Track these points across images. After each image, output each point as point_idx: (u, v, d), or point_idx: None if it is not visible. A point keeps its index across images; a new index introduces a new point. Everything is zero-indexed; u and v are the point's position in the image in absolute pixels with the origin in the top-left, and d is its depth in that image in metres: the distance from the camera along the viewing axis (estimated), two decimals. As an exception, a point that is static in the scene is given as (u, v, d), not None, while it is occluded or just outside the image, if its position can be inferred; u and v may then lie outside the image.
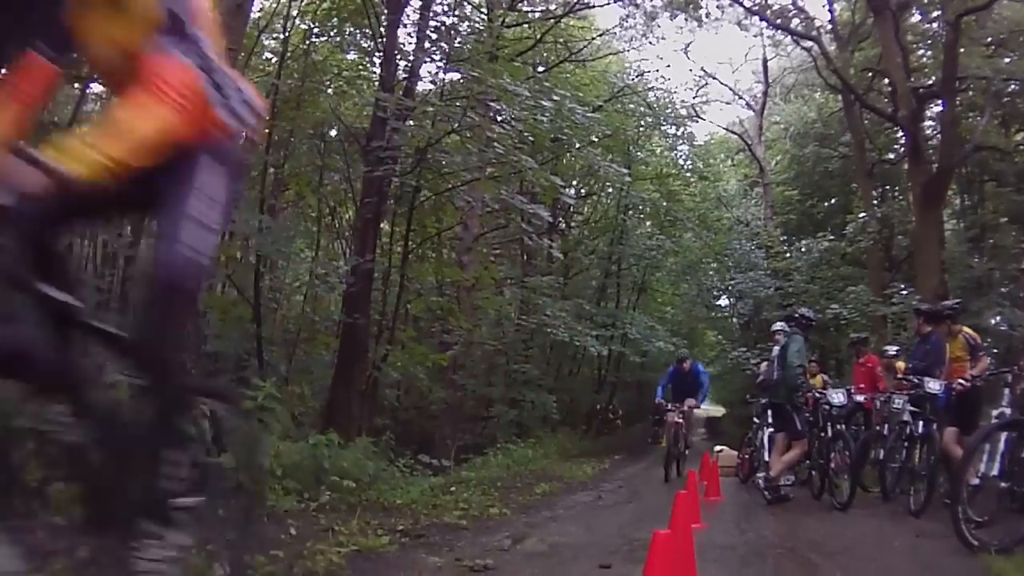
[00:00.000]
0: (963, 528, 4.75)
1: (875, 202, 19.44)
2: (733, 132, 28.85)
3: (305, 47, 13.54)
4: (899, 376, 7.97)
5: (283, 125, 12.93)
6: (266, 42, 14.07)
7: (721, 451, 12.67)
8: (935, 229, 14.13)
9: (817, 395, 8.43)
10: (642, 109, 20.57)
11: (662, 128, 22.72)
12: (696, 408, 11.93)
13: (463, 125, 11.13)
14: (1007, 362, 7.40)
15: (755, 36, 23.48)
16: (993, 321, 15.33)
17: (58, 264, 2.03)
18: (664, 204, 21.46)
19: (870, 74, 18.39)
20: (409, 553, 4.82)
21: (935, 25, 16.47)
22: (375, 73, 13.19)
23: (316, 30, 13.73)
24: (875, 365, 9.42)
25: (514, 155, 10.47)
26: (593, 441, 20.06)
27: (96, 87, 13.01)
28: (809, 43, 19.08)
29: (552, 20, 16.22)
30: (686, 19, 19.61)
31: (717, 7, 19.23)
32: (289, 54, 13.42)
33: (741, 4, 18.70)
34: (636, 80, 21.00)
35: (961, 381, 6.58)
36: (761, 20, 19.55)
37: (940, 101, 15.33)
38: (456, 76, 12.34)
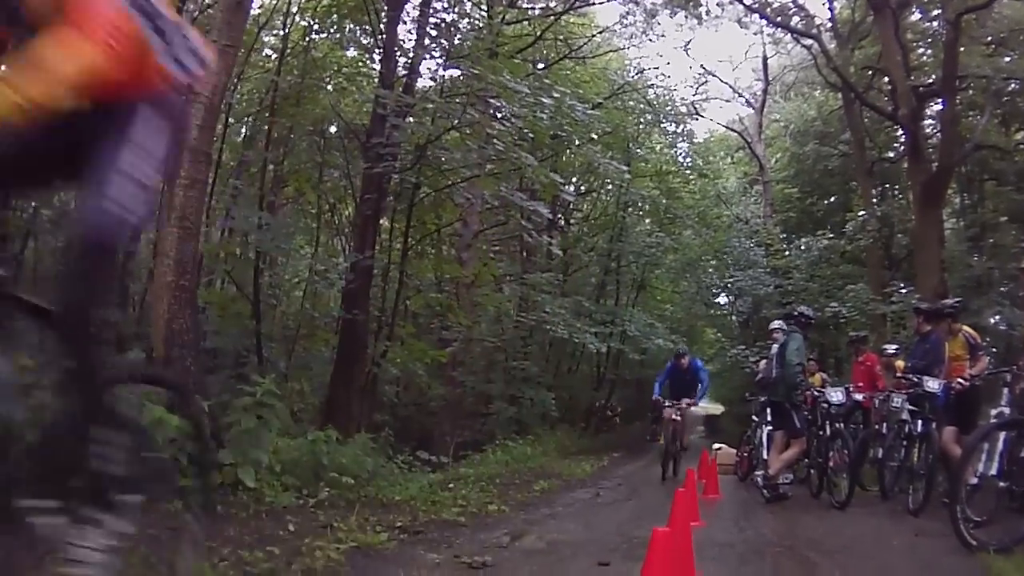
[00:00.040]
0: (962, 527, 4.75)
1: (875, 200, 19.43)
2: (733, 130, 28.84)
3: (305, 44, 13.53)
4: (898, 375, 7.97)
5: (283, 121, 12.93)
6: (266, 39, 14.07)
7: (720, 449, 12.67)
8: (935, 228, 14.13)
9: (816, 393, 8.43)
10: (642, 106, 20.57)
11: (662, 125, 22.71)
12: (694, 406, 11.50)
13: (463, 122, 11.11)
14: (1006, 361, 7.42)
15: (755, 34, 23.55)
16: (992, 320, 15.33)
17: None
18: (664, 201, 21.47)
19: (870, 72, 18.37)
20: (407, 550, 4.82)
21: (935, 23, 16.47)
22: (375, 70, 13.19)
23: (316, 27, 13.73)
24: (874, 364, 9.41)
25: (514, 152, 10.46)
26: (592, 438, 20.07)
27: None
28: (809, 41, 19.05)
29: (552, 17, 16.21)
30: (686, 16, 19.56)
31: (717, 4, 19.19)
32: (289, 51, 13.41)
33: (741, 2, 18.68)
34: (636, 77, 21.01)
35: (960, 380, 6.58)
36: (761, 18, 19.56)
37: (940, 100, 15.33)
38: (456, 73, 12.34)
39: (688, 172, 23.95)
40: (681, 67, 27.95)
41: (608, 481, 10.93)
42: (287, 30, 13.44)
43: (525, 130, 11.06)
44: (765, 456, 8.57)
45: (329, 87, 13.56)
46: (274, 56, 13.88)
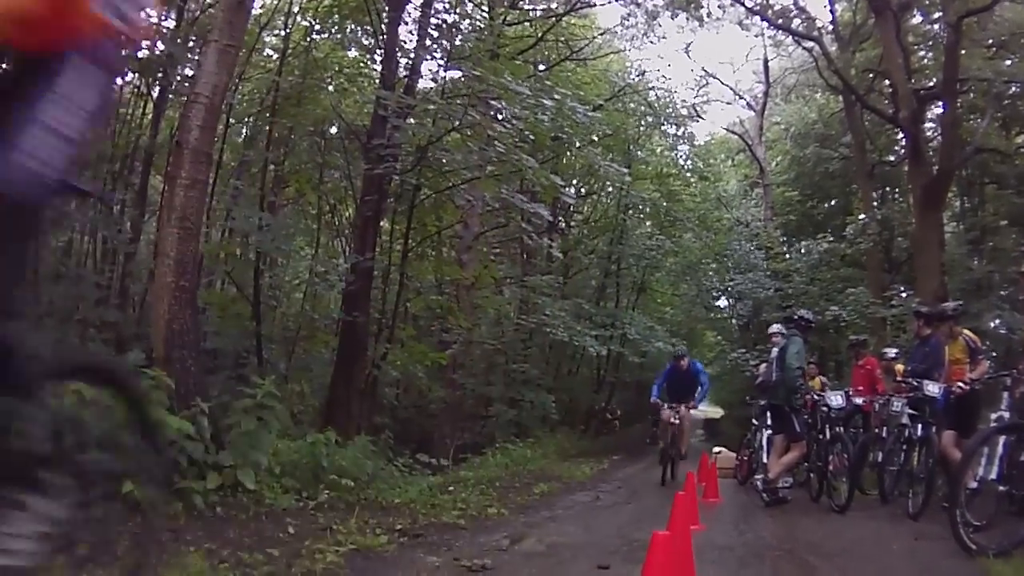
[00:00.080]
0: (961, 531, 4.75)
1: (875, 204, 19.45)
2: (733, 132, 28.86)
3: (306, 44, 13.53)
4: (898, 379, 7.99)
5: (284, 122, 12.93)
6: (267, 39, 14.06)
7: (720, 452, 12.67)
8: (935, 231, 14.14)
9: (816, 397, 8.43)
10: (643, 108, 20.57)
11: (662, 128, 22.73)
12: (694, 409, 10.95)
13: (464, 123, 11.10)
14: (1006, 365, 7.40)
15: (756, 36, 23.53)
16: (992, 324, 15.32)
17: None
18: (664, 204, 21.44)
19: (871, 75, 18.38)
20: (407, 552, 4.82)
21: (936, 26, 16.48)
22: (376, 70, 13.18)
23: (317, 27, 13.73)
24: (874, 367, 9.41)
25: (514, 154, 10.44)
26: (592, 441, 20.05)
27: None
28: (810, 43, 19.08)
29: (553, 18, 16.21)
30: (687, 18, 19.62)
31: (718, 7, 19.27)
32: (290, 51, 13.41)
33: (742, 4, 18.71)
34: (637, 79, 21.00)
35: (960, 384, 6.58)
36: (762, 20, 19.59)
37: (941, 103, 15.36)
38: (457, 74, 12.32)
39: (689, 175, 23.95)
40: (682, 69, 28.01)
41: (608, 484, 10.92)
42: (288, 30, 13.44)
43: (526, 132, 11.06)
44: (765, 460, 8.57)
45: (330, 88, 13.56)
46: (275, 56, 13.87)
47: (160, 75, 11.97)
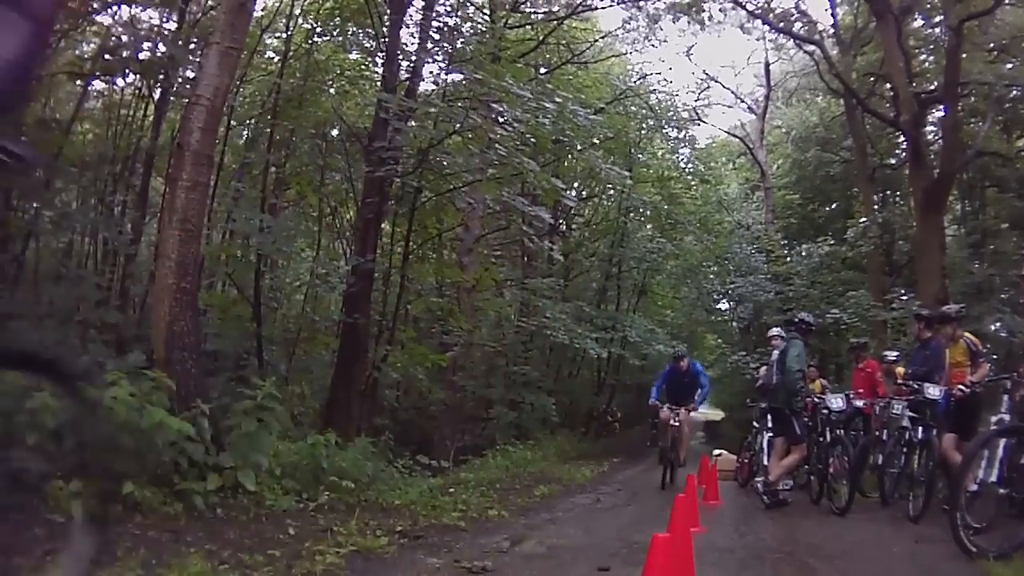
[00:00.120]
0: (961, 534, 4.75)
1: (876, 207, 19.44)
2: (735, 136, 28.86)
3: (307, 46, 13.54)
4: (899, 381, 7.98)
5: (285, 124, 12.93)
6: (269, 41, 14.07)
7: (720, 455, 12.65)
8: (936, 234, 14.13)
9: (816, 400, 8.44)
10: (644, 112, 20.59)
11: (664, 131, 22.71)
12: (694, 411, 10.59)
13: (465, 126, 11.12)
14: (1007, 368, 7.41)
15: (757, 40, 23.59)
16: (993, 327, 15.33)
17: None
18: (665, 207, 21.44)
19: (872, 79, 18.40)
20: (407, 554, 4.82)
21: (937, 30, 16.48)
22: (377, 73, 13.19)
23: (319, 29, 13.73)
24: (875, 370, 9.41)
25: (516, 157, 10.45)
26: (592, 443, 20.04)
27: (98, 84, 13.10)
28: (811, 47, 19.08)
29: (555, 22, 16.24)
30: (689, 22, 19.61)
31: (720, 10, 19.26)
32: (291, 53, 13.42)
33: (744, 8, 18.71)
34: (638, 83, 21.00)
35: (961, 387, 6.58)
36: (763, 24, 19.59)
37: (942, 106, 15.35)
38: (458, 77, 12.33)
39: (690, 178, 23.93)
40: (683, 72, 27.88)
41: (608, 486, 10.91)
42: (290, 33, 13.45)
43: (527, 135, 11.08)
44: (765, 462, 8.56)
45: (331, 90, 13.57)
46: (277, 59, 13.88)
47: (161, 77, 11.98)
